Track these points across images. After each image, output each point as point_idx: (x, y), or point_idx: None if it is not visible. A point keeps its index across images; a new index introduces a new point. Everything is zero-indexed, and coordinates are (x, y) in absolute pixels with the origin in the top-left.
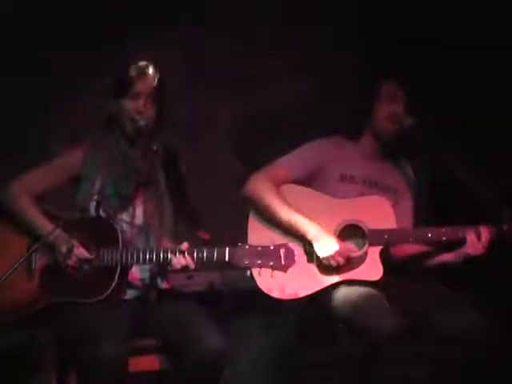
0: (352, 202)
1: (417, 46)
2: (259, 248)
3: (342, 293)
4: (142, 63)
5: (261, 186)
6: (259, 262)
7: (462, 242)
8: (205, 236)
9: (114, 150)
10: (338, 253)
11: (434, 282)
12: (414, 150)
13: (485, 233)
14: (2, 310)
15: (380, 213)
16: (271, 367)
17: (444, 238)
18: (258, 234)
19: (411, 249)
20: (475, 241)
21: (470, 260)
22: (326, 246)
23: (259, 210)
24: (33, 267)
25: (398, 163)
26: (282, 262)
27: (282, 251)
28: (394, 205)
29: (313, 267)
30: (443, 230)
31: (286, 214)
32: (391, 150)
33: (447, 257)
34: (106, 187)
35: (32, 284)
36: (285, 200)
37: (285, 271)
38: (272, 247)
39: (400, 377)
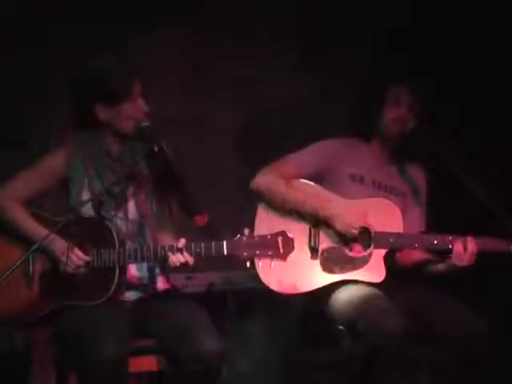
0: (360, 203)
1: (418, 45)
2: (256, 238)
3: (344, 294)
4: (124, 65)
5: (270, 180)
6: (257, 252)
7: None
8: (201, 220)
9: (98, 148)
10: (355, 225)
11: (433, 284)
12: (421, 152)
13: (471, 244)
14: (4, 319)
15: (388, 216)
16: (271, 368)
17: (450, 246)
18: (265, 228)
19: (413, 255)
20: (461, 252)
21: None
22: (347, 216)
23: (269, 200)
24: (31, 275)
25: (405, 168)
26: (281, 250)
27: (279, 239)
28: (404, 209)
29: (316, 264)
30: (450, 237)
31: (300, 195)
32: (399, 154)
33: (439, 266)
34: (96, 186)
35: (32, 292)
36: (294, 188)
37: (284, 259)
38: (269, 236)
39: (401, 378)
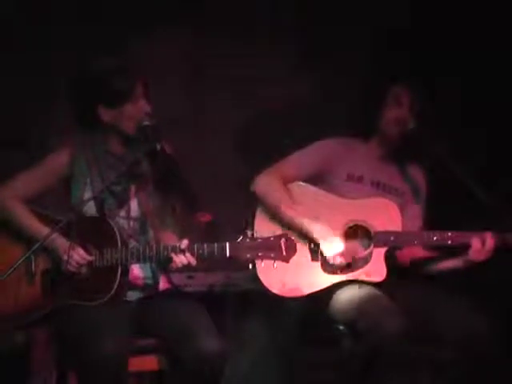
0: (359, 202)
1: (418, 45)
2: (259, 240)
3: (344, 294)
4: (127, 65)
5: (269, 183)
6: (260, 254)
7: (465, 247)
8: (205, 218)
9: (100, 148)
10: (342, 253)
11: (435, 284)
12: (420, 152)
13: (489, 239)
14: (6, 318)
15: (387, 215)
16: (271, 368)
17: (449, 242)
18: (264, 230)
19: (416, 254)
20: (479, 247)
21: (473, 265)
22: (332, 245)
23: (266, 206)
24: (33, 273)
25: (405, 167)
26: (284, 253)
27: (282, 241)
28: (402, 209)
29: (317, 265)
30: (449, 234)
31: (292, 212)
32: (399, 154)
33: (451, 262)
34: (98, 186)
35: (34, 290)
36: (292, 199)
37: (287, 261)
38: (272, 238)
39: (401, 378)
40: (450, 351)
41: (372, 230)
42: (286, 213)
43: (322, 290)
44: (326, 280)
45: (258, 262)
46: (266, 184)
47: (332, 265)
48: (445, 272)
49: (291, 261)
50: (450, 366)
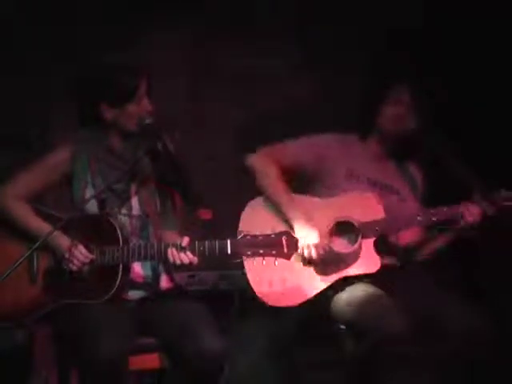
0: (337, 200)
1: (418, 45)
2: (260, 237)
3: (345, 293)
4: (131, 64)
5: (263, 162)
6: (261, 251)
7: (453, 221)
8: (206, 215)
9: (101, 146)
10: (316, 246)
11: (435, 282)
12: (418, 151)
13: (477, 201)
14: (7, 316)
15: (367, 206)
16: (271, 368)
17: (434, 219)
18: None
19: (412, 236)
20: (471, 210)
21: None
22: (308, 235)
23: (257, 184)
24: (35, 271)
25: (403, 166)
26: (285, 250)
27: (284, 239)
28: (399, 207)
29: (310, 270)
30: (431, 211)
31: (278, 195)
32: (397, 152)
33: (442, 239)
34: (99, 184)
35: (36, 288)
36: (281, 181)
37: (288, 259)
38: (273, 235)
39: (401, 378)
40: (450, 350)
41: (357, 224)
42: (272, 194)
43: (315, 296)
44: (323, 282)
45: (247, 262)
46: (259, 162)
47: (302, 256)
48: (440, 250)
49: (285, 271)
50: (450, 365)
